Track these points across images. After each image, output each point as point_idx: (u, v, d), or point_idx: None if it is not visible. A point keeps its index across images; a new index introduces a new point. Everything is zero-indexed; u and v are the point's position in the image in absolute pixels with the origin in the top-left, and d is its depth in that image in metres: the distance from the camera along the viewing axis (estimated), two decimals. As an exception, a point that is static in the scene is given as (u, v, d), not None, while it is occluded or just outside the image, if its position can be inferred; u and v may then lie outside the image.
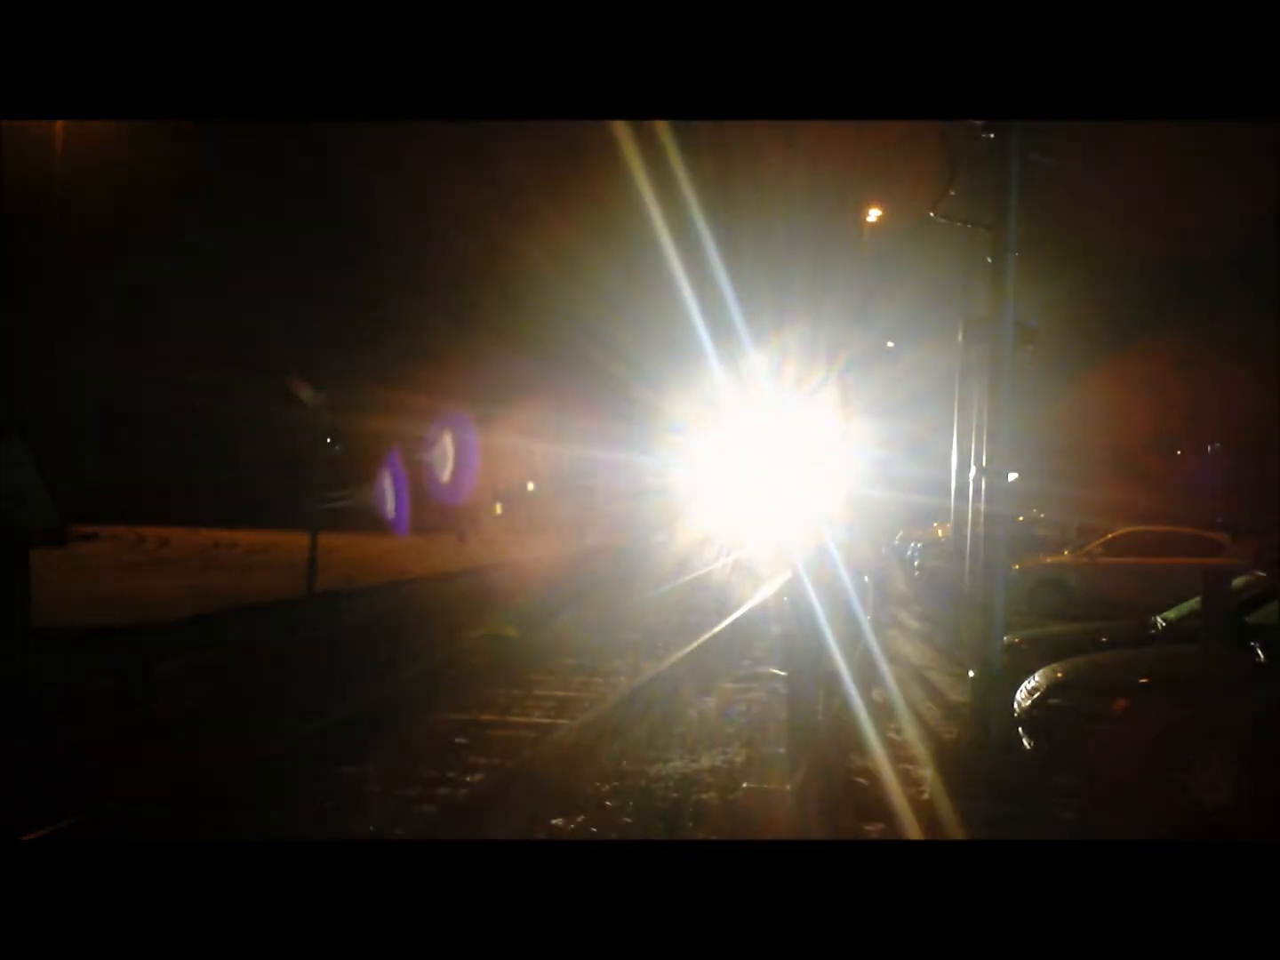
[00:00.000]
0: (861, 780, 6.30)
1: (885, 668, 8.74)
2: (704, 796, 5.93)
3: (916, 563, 20.06)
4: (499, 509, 24.81)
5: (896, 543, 23.08)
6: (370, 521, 22.62)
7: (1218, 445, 24.67)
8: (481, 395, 25.87)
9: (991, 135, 6.51)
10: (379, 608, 13.24)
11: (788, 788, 6.20)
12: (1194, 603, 7.64)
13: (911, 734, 7.32)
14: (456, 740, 6.98)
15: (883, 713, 7.84)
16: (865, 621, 8.51)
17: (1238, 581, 7.47)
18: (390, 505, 19.44)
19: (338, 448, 13.12)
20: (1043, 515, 19.46)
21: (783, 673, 9.28)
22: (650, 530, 27.18)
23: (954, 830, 5.41)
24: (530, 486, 26.97)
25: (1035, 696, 6.30)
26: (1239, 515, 17.81)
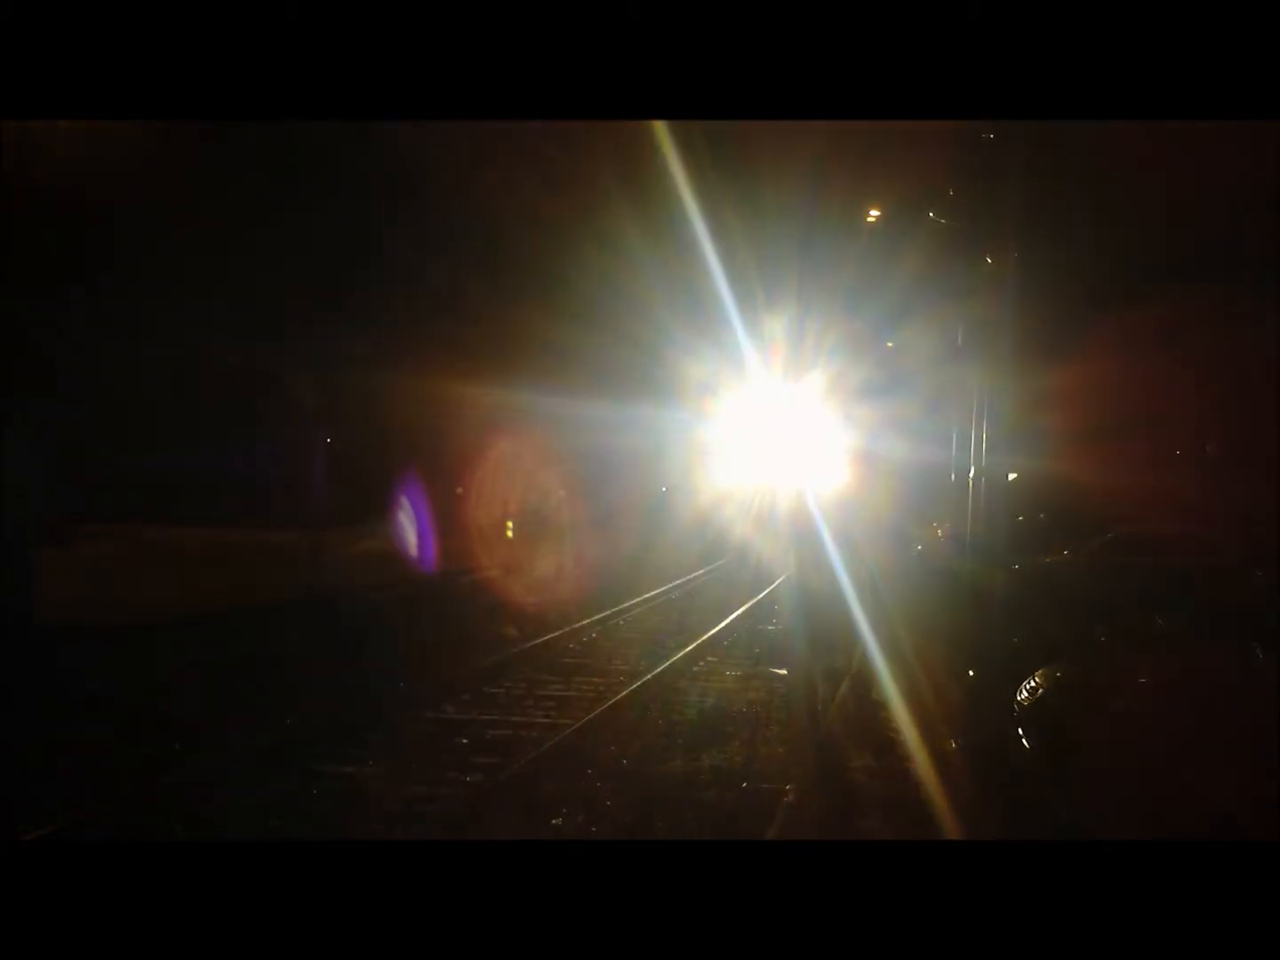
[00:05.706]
0: (860, 779, 6.30)
1: (884, 667, 8.73)
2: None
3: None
4: (510, 529, 24.33)
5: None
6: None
7: (1212, 443, 24.63)
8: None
9: (991, 136, 6.52)
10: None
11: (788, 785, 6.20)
12: (1193, 602, 7.66)
13: (910, 733, 7.32)
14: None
15: (882, 711, 7.84)
16: (865, 620, 8.50)
17: (1236, 581, 7.48)
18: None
19: (339, 447, 13.11)
20: (1042, 515, 19.42)
21: (783, 671, 9.29)
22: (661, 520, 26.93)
23: (953, 830, 5.41)
24: (547, 498, 26.32)
25: (1035, 696, 6.30)
26: (1237, 513, 17.77)
